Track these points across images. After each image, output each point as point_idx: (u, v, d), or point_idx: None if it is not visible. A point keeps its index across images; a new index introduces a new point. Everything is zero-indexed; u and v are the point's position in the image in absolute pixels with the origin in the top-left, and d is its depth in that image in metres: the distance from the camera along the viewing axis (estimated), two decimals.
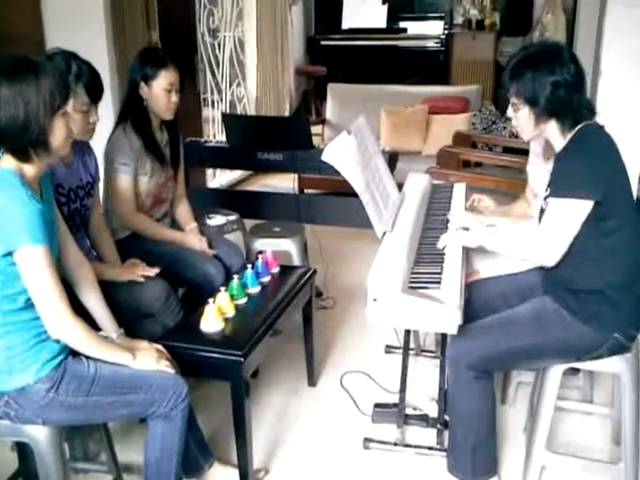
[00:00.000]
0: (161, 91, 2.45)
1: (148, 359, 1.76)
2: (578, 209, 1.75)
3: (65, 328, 1.59)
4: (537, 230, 1.86)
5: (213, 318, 2.02)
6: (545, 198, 1.90)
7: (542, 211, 1.91)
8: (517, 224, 2.27)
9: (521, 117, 1.87)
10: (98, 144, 2.38)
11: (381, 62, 6.87)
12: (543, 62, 1.79)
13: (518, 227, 2.24)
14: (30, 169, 1.59)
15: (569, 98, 1.77)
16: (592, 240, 1.79)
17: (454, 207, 2.42)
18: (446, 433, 2.19)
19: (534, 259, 1.88)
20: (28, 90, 1.49)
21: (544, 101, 1.78)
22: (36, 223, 1.50)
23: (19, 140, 1.52)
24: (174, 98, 2.49)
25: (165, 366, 1.77)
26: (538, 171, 2.25)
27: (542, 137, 1.95)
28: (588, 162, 1.77)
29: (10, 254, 1.51)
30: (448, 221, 2.26)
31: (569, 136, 1.83)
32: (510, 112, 1.90)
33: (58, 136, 1.57)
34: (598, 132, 1.85)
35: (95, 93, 2.09)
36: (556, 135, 1.85)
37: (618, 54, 3.27)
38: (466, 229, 2.11)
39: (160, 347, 1.85)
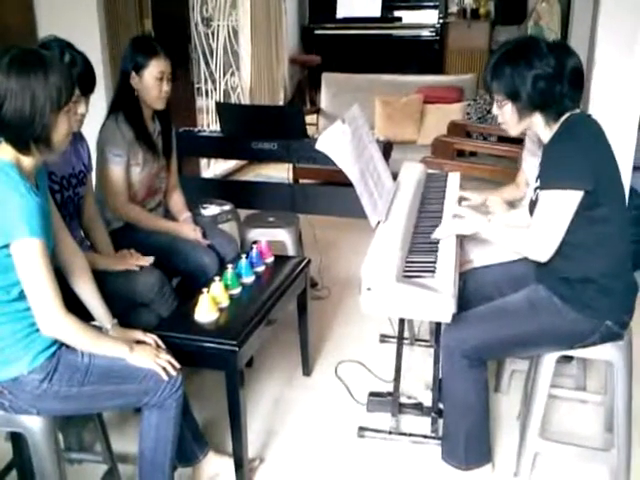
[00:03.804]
0: (152, 80, 2.43)
1: (146, 355, 1.72)
2: (569, 200, 1.75)
3: (57, 325, 1.57)
4: (530, 225, 1.85)
5: (207, 308, 2.02)
6: (535, 190, 1.90)
7: (532, 202, 1.91)
8: (508, 212, 2.26)
9: (505, 113, 1.87)
10: (92, 135, 2.36)
11: (376, 51, 6.83)
12: (521, 57, 1.80)
13: (509, 216, 2.24)
14: (27, 161, 1.58)
15: (550, 90, 1.78)
16: (583, 229, 1.79)
17: (448, 205, 2.38)
18: (440, 421, 2.20)
19: (527, 255, 1.88)
20: (36, 85, 1.49)
21: (526, 95, 1.79)
22: (34, 216, 1.50)
23: (22, 133, 1.52)
24: (165, 87, 2.46)
25: (165, 361, 1.72)
26: (533, 159, 2.25)
27: (531, 130, 1.95)
28: (576, 152, 1.76)
29: (6, 246, 1.51)
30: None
31: (555, 127, 1.83)
32: (495, 110, 1.91)
33: (60, 132, 1.57)
34: (584, 121, 1.85)
35: (87, 85, 2.04)
36: (542, 127, 1.86)
37: (613, 43, 3.25)
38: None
39: (158, 341, 1.83)
